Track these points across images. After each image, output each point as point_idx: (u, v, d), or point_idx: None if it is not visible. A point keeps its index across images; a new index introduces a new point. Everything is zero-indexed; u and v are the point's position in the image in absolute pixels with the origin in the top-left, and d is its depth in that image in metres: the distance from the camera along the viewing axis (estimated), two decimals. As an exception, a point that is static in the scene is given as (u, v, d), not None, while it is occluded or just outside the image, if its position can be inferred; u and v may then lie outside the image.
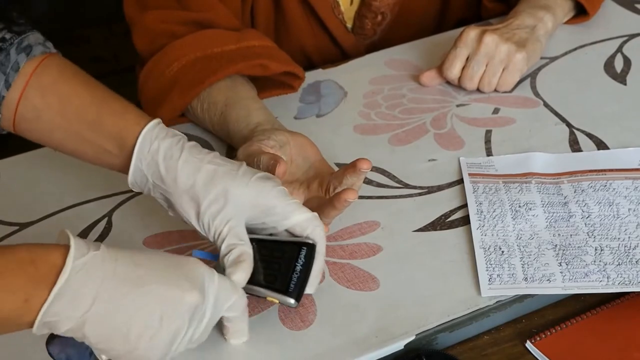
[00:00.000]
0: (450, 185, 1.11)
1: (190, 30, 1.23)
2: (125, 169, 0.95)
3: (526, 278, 0.95)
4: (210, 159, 0.92)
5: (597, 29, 1.40)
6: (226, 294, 0.84)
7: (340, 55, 1.44)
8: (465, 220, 1.04)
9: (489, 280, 0.95)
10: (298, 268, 0.88)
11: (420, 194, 1.09)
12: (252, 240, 0.89)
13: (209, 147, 1.19)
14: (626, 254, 0.97)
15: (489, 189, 1.07)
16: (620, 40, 1.38)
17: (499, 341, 0.92)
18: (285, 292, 0.87)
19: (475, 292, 0.95)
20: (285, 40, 1.41)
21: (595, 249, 0.98)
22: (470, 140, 1.19)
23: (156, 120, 0.94)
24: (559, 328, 0.92)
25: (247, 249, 0.88)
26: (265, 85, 1.25)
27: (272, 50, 1.24)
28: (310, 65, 1.43)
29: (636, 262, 0.96)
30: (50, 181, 1.14)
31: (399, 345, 0.90)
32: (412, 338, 0.90)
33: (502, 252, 0.98)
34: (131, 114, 0.95)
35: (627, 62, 1.33)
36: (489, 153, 1.16)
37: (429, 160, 1.15)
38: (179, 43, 1.21)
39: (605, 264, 0.96)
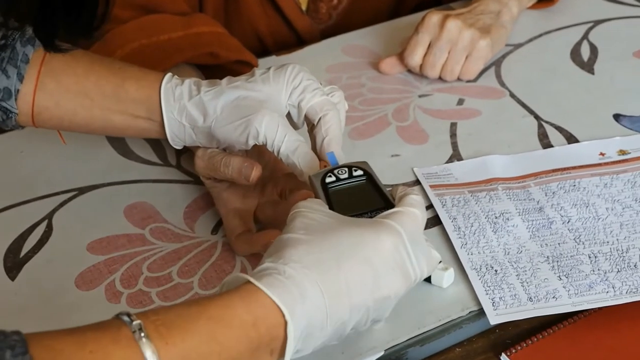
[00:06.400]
0: (416, 182, 1.05)
1: (135, 14, 1.15)
2: (155, 131, 0.96)
3: (530, 298, 0.89)
4: (226, 81, 0.93)
5: (561, 15, 1.36)
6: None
7: (295, 39, 1.38)
8: (437, 220, 0.99)
9: (493, 305, 0.89)
10: None
11: (392, 187, 1.03)
12: None
13: (161, 148, 1.12)
14: (621, 258, 0.93)
15: (457, 201, 1.01)
16: (586, 26, 1.34)
17: (472, 353, 0.87)
18: None
19: (447, 301, 0.89)
20: (236, 24, 1.34)
21: (589, 256, 0.93)
22: (434, 133, 1.13)
23: (169, 74, 0.95)
24: (535, 339, 0.87)
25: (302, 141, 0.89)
26: (215, 73, 1.18)
27: (223, 37, 1.18)
28: (263, 50, 1.36)
29: (635, 266, 0.92)
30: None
31: (367, 362, 0.84)
32: (381, 354, 0.85)
33: (496, 271, 0.92)
34: (151, 75, 0.96)
35: (594, 50, 1.28)
36: (454, 148, 1.10)
37: (392, 156, 1.09)
38: (122, 29, 1.13)
39: (606, 272, 0.91)
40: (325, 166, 0.87)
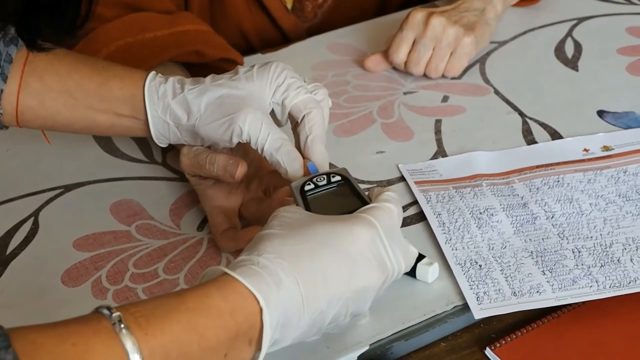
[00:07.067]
0: (400, 179, 1.05)
1: (120, 13, 1.15)
2: (140, 129, 0.95)
3: (514, 292, 0.90)
4: (210, 79, 0.92)
5: (546, 12, 1.36)
6: None
7: (280, 37, 1.38)
8: (422, 216, 0.99)
9: (477, 299, 0.89)
10: None
11: (368, 189, 1.03)
12: None
13: (147, 146, 1.11)
14: (605, 253, 0.93)
15: (441, 197, 1.01)
16: (570, 23, 1.34)
17: (457, 348, 0.87)
18: None
19: (432, 296, 0.90)
20: (221, 22, 1.34)
21: (573, 251, 0.94)
22: (419, 130, 1.13)
23: (153, 72, 0.95)
24: (520, 333, 0.87)
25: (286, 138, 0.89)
26: (201, 71, 1.17)
27: (208, 35, 1.17)
28: (249, 48, 1.36)
29: (617, 260, 0.92)
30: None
31: (352, 357, 0.84)
32: (366, 348, 0.85)
33: (480, 266, 0.93)
34: (134, 74, 0.95)
35: (578, 47, 1.28)
36: (439, 145, 1.10)
37: (377, 153, 1.10)
38: (107, 27, 1.13)
39: (589, 267, 0.92)
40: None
